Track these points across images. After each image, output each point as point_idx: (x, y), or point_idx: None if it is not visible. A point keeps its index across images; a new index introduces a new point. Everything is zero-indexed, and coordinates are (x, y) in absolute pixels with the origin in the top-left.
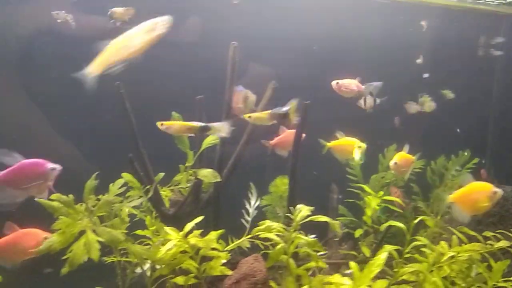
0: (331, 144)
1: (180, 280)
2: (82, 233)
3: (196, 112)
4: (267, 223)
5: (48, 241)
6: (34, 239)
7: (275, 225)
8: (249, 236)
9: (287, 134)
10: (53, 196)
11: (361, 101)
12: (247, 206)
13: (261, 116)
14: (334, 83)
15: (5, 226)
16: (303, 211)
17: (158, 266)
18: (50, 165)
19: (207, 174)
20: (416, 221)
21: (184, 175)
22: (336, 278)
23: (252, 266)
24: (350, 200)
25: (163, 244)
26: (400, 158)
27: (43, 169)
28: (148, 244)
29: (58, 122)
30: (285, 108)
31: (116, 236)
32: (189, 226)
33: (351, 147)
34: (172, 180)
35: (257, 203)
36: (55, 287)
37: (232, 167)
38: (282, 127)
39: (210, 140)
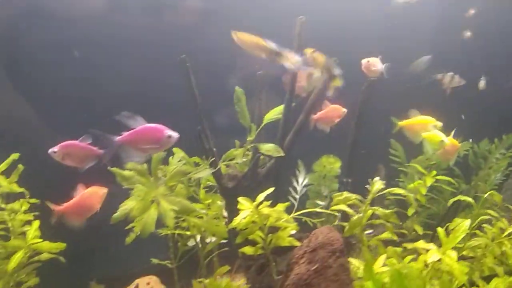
0: (404, 123)
1: (248, 250)
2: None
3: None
4: (345, 194)
5: (125, 208)
6: (97, 197)
7: (353, 196)
8: (301, 212)
9: (330, 109)
10: (128, 165)
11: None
12: (295, 183)
13: (317, 58)
14: (365, 61)
15: (77, 187)
16: (377, 184)
17: (208, 240)
18: (169, 132)
19: (270, 149)
20: (485, 196)
21: (241, 150)
22: (421, 244)
23: (329, 235)
24: (401, 180)
25: (216, 218)
26: (447, 143)
27: (161, 135)
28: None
29: None
30: (337, 71)
31: (187, 206)
32: (261, 196)
33: (426, 126)
34: (226, 155)
35: (305, 181)
36: (110, 259)
37: (291, 141)
38: (325, 102)
39: (271, 116)
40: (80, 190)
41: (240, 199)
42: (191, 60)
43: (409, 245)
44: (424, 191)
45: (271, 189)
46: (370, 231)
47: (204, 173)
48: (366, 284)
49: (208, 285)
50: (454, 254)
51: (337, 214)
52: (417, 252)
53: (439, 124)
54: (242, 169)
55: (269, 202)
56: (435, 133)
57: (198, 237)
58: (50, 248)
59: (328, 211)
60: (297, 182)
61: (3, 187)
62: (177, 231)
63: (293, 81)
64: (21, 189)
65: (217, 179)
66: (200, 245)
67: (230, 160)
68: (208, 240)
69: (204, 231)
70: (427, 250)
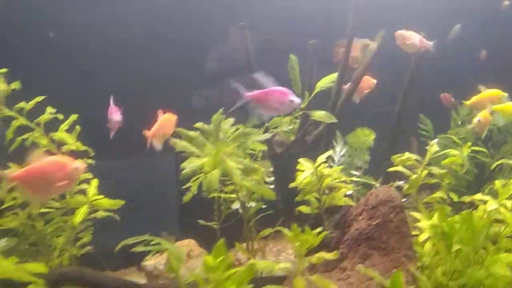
0: (472, 100)
1: (305, 209)
2: None
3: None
4: (407, 154)
5: (193, 165)
6: (170, 122)
7: (414, 156)
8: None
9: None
10: (197, 125)
11: None
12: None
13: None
14: (398, 33)
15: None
16: (434, 146)
17: (247, 205)
18: (292, 97)
19: (323, 115)
20: None
21: (288, 117)
22: (478, 196)
23: (389, 193)
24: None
25: (259, 183)
26: (484, 116)
27: (284, 98)
28: None
29: None
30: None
31: (250, 165)
32: (321, 158)
33: (495, 99)
34: (271, 122)
35: (344, 151)
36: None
37: (340, 109)
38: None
39: (322, 84)
40: (159, 115)
41: (301, 160)
42: None
43: (468, 198)
44: (460, 161)
45: (329, 152)
46: (405, 199)
47: (264, 137)
48: (441, 225)
49: (296, 238)
50: (509, 203)
51: (373, 182)
52: None
53: (506, 95)
54: (287, 136)
55: (326, 165)
56: (509, 104)
57: (243, 200)
58: (109, 205)
59: (364, 180)
60: (335, 152)
61: (70, 144)
62: (222, 195)
63: (347, 51)
64: (85, 147)
65: (268, 144)
66: (244, 209)
67: (275, 128)
68: (248, 205)
69: (248, 194)
70: (485, 202)
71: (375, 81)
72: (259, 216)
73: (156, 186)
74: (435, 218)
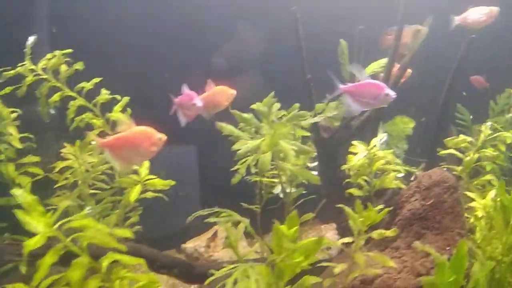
0: None
1: (355, 192)
2: None
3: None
4: (462, 136)
5: (247, 146)
6: (225, 94)
7: (468, 139)
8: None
9: (396, 69)
10: (253, 106)
11: None
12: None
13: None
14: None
15: (206, 83)
16: (487, 129)
17: (287, 190)
18: (387, 90)
19: None
20: None
21: (333, 103)
22: None
23: (442, 174)
24: None
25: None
26: None
27: (379, 92)
28: None
29: None
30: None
31: (303, 147)
32: (374, 141)
33: None
34: (316, 107)
35: (385, 139)
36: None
37: None
38: None
39: (371, 69)
40: (210, 86)
41: (354, 142)
42: None
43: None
44: (503, 148)
45: (382, 135)
46: None
47: (316, 119)
48: (500, 199)
49: (359, 215)
50: None
51: (414, 170)
52: None
53: None
54: (331, 122)
55: (377, 149)
56: None
57: (286, 185)
58: (162, 185)
59: (407, 168)
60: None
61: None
62: (264, 179)
63: (398, 37)
64: None
65: (315, 129)
66: (285, 193)
67: (319, 113)
68: (288, 190)
69: (290, 179)
70: None
71: (410, 70)
72: (302, 200)
73: (182, 174)
74: (491, 194)
